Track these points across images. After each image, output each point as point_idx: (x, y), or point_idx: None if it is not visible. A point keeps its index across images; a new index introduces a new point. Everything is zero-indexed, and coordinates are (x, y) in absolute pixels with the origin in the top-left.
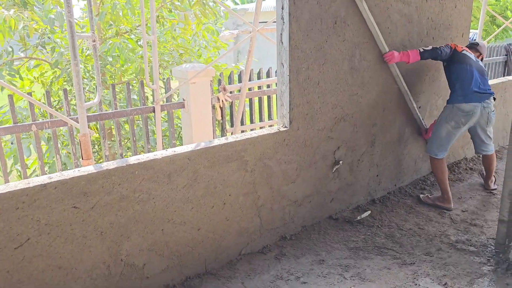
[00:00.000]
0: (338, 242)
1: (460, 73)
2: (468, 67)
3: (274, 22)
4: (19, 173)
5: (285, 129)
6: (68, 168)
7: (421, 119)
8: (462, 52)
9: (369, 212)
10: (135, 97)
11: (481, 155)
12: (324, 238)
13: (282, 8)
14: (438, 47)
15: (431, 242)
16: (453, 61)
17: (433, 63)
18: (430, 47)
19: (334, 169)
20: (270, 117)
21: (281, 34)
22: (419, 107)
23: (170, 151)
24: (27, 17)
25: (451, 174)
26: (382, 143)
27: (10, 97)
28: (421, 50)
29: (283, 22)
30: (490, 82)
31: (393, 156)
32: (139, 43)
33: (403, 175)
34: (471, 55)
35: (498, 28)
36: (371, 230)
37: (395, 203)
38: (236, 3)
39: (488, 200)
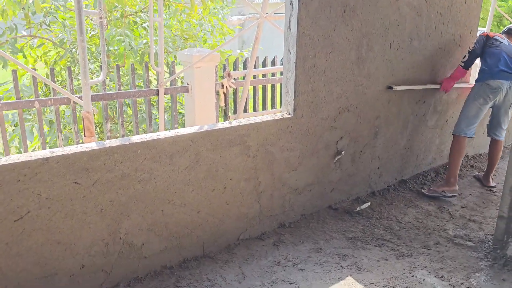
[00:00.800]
0: (337, 232)
1: (489, 55)
2: (497, 50)
3: (280, 13)
4: (17, 151)
5: (289, 116)
6: None
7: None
8: (494, 37)
9: (369, 203)
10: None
11: (484, 154)
12: (322, 227)
13: None
14: (472, 49)
15: (430, 235)
16: (485, 46)
17: (437, 58)
18: (466, 56)
19: (336, 159)
20: (273, 106)
21: (289, 20)
22: (423, 102)
23: (173, 132)
24: None
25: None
26: (385, 135)
27: (14, 72)
28: (462, 64)
29: (292, 8)
30: None
31: (395, 150)
32: (144, 25)
33: (404, 169)
34: (504, 40)
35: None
36: (370, 222)
37: (395, 196)
38: None
39: (488, 197)
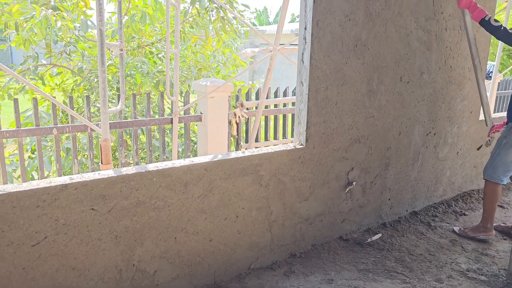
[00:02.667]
0: (348, 263)
1: None
2: None
3: (293, 45)
4: (32, 178)
5: (301, 146)
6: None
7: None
8: None
9: (380, 235)
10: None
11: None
12: (334, 258)
13: (305, 29)
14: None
15: (442, 269)
16: None
17: (447, 91)
18: (500, 25)
19: (347, 189)
20: (284, 136)
21: (302, 53)
22: (434, 134)
23: (187, 161)
24: (66, 17)
25: (463, 203)
26: (395, 167)
27: (35, 99)
28: (486, 19)
29: (305, 42)
30: (503, 114)
31: (406, 181)
32: (159, 55)
33: (415, 200)
34: None
35: None
36: (381, 253)
37: (406, 228)
38: (254, 25)
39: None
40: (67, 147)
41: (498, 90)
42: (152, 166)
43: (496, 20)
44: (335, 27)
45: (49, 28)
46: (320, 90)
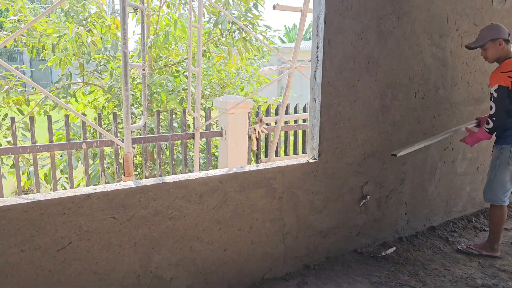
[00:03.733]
0: (361, 276)
1: None
2: None
3: (309, 60)
4: (63, 188)
5: (314, 161)
6: None
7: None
8: None
9: (394, 248)
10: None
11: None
12: (347, 270)
13: (317, 48)
14: (491, 114)
15: (456, 284)
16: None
17: (465, 106)
18: (490, 124)
19: (362, 203)
20: (304, 151)
21: (315, 71)
22: (452, 149)
23: (203, 173)
24: (96, 34)
25: (484, 219)
26: (412, 181)
27: (66, 117)
28: (487, 130)
29: (317, 60)
30: None
31: (423, 196)
32: (185, 73)
33: (433, 215)
34: None
35: None
36: (395, 267)
37: (423, 243)
38: (283, 41)
39: None
40: (94, 151)
41: None
42: (169, 178)
43: (487, 122)
44: (347, 46)
45: (80, 44)
46: (333, 106)
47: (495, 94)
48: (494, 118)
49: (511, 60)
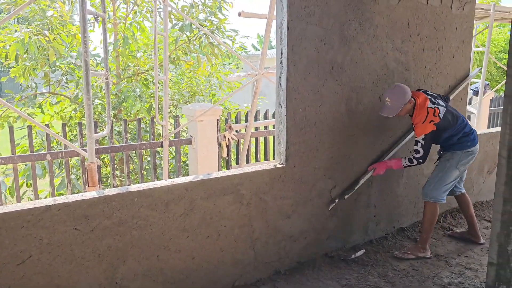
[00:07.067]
0: (331, 279)
1: (456, 119)
2: (453, 111)
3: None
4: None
5: (282, 166)
6: None
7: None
8: (437, 99)
9: (363, 251)
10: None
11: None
12: (317, 274)
13: (281, 54)
14: (417, 157)
15: (424, 283)
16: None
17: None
18: (414, 163)
19: (331, 207)
20: (275, 157)
21: (280, 77)
22: None
23: (169, 181)
24: (54, 39)
25: (451, 219)
26: (379, 184)
27: (29, 128)
28: (405, 165)
29: (282, 66)
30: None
31: (391, 198)
32: (154, 81)
33: (402, 217)
34: (436, 94)
35: None
36: (365, 269)
37: (392, 244)
38: (256, 49)
39: (487, 245)
40: (60, 160)
41: (490, 107)
42: (133, 187)
43: (410, 160)
44: (311, 51)
45: (45, 53)
46: (298, 111)
47: (422, 142)
48: (420, 160)
49: (418, 103)
